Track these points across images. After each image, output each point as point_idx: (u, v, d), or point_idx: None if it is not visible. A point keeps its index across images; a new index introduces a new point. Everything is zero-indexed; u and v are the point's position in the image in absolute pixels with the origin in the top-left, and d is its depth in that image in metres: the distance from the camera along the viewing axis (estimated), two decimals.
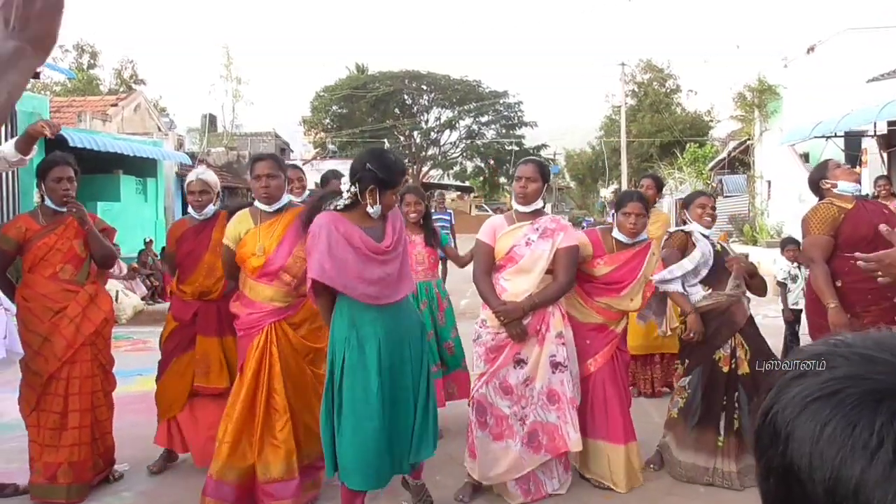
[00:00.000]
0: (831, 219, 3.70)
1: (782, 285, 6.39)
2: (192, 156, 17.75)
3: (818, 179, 3.95)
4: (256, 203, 3.63)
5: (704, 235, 4.04)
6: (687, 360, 3.99)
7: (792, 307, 6.26)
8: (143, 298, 11.24)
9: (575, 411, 3.60)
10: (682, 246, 4.03)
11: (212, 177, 4.18)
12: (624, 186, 32.92)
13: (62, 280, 3.75)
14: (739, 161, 19.68)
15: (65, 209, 3.77)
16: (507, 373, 3.57)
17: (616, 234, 3.89)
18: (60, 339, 3.66)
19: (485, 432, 3.59)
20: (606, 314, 3.84)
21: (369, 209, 3.14)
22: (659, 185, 5.96)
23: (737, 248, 11.71)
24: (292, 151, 35.82)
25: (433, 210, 9.77)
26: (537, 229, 3.62)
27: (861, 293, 3.53)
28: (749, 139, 19.07)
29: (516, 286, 3.56)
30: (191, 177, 4.15)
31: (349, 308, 3.13)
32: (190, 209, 4.18)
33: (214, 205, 4.16)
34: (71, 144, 10.53)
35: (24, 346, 3.73)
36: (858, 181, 3.97)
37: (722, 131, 30.24)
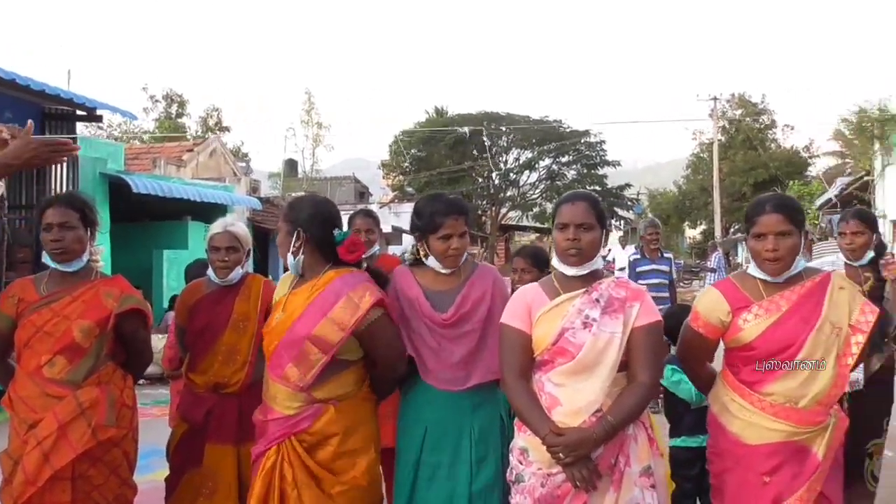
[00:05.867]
0: None
1: None
2: (267, 200, 17.33)
3: None
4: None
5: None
6: None
7: None
8: None
9: None
10: None
11: (242, 229, 3.22)
12: (717, 226, 31.13)
13: (45, 378, 2.63)
14: (857, 198, 17.81)
15: (71, 269, 2.70)
16: None
17: (753, 271, 2.44)
18: (20, 471, 2.56)
19: None
20: (792, 416, 2.31)
21: (426, 262, 2.69)
22: None
23: None
24: (371, 195, 35.70)
25: (638, 254, 7.01)
26: (597, 300, 2.31)
27: None
28: (867, 174, 17.22)
29: (576, 396, 2.26)
30: (215, 228, 3.17)
31: (412, 380, 2.66)
32: (210, 271, 3.21)
33: (243, 267, 3.18)
34: (135, 191, 10.04)
35: (2, 468, 2.68)
36: None
37: (821, 167, 28.18)
